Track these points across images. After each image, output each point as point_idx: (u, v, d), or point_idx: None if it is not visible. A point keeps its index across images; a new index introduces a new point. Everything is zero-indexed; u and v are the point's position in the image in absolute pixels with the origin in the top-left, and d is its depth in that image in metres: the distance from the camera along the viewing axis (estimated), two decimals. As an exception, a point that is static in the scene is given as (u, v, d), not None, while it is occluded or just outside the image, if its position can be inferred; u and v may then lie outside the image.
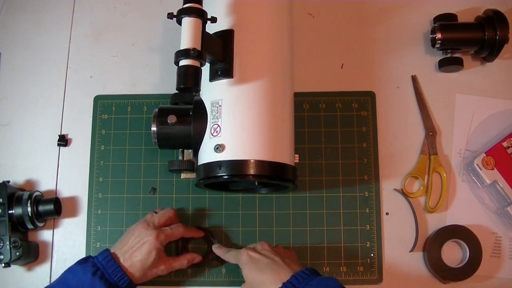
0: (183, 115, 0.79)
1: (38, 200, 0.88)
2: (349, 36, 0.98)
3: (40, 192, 0.91)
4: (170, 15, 0.74)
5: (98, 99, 0.96)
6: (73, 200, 0.93)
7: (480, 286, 0.88)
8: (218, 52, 0.76)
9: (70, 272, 0.77)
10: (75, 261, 0.79)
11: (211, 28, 0.77)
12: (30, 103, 0.97)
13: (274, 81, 0.78)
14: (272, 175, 0.75)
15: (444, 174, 0.91)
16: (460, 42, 0.93)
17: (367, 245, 0.89)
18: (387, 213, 0.91)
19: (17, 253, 0.84)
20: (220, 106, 0.76)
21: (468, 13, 0.96)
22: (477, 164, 0.89)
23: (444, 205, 0.90)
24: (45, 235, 0.92)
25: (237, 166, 0.74)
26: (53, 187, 0.93)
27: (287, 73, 0.81)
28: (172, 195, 0.92)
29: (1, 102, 0.98)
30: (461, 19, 0.95)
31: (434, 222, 0.90)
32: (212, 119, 0.77)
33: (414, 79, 0.96)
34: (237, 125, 0.75)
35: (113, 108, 0.96)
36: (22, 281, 0.90)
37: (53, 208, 0.88)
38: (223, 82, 0.77)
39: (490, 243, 0.89)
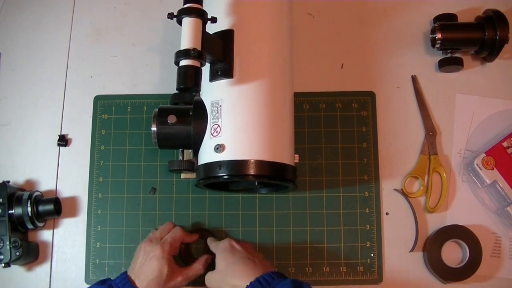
0: (183, 115, 0.79)
1: (38, 200, 0.88)
2: (349, 36, 0.98)
3: (40, 192, 0.91)
4: (170, 15, 0.74)
5: (98, 99, 0.96)
6: (73, 200, 0.93)
7: (480, 286, 0.88)
8: (218, 52, 0.76)
9: None
10: (93, 283, 0.80)
11: (211, 28, 0.77)
12: (30, 103, 0.97)
13: (274, 81, 0.78)
14: (272, 175, 0.75)
15: (444, 174, 0.91)
16: (460, 42, 0.93)
17: (367, 245, 0.89)
18: (387, 213, 0.91)
19: (17, 253, 0.84)
20: (220, 106, 0.76)
21: (468, 13, 0.96)
22: (477, 164, 0.89)
23: (444, 205, 0.90)
24: (45, 235, 0.92)
25: (237, 166, 0.74)
26: (53, 187, 0.93)
27: (287, 73, 0.81)
28: (172, 195, 0.92)
29: (1, 102, 0.98)
30: (461, 19, 0.95)
31: (434, 222, 0.90)
32: (212, 119, 0.76)
33: (414, 79, 0.96)
34: (237, 125, 0.75)
35: (113, 108, 0.96)
36: (22, 281, 0.90)
37: (53, 208, 0.88)
38: (223, 82, 0.77)
39: (490, 243, 0.89)
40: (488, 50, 0.92)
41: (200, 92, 0.79)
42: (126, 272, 0.80)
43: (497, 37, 0.89)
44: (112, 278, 0.79)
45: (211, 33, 0.76)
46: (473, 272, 0.86)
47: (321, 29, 0.99)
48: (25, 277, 0.90)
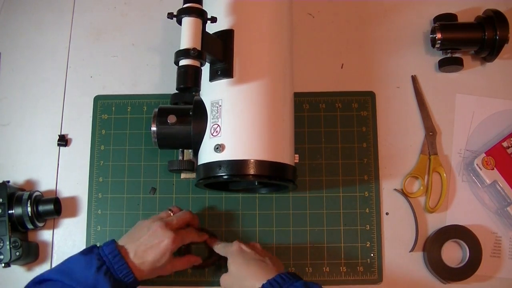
0: (183, 115, 0.79)
1: (38, 200, 0.88)
2: (349, 36, 0.98)
3: (40, 192, 0.91)
4: (170, 15, 0.74)
5: (98, 99, 0.96)
6: (73, 200, 0.93)
7: (480, 286, 0.88)
8: (218, 52, 0.76)
9: (73, 262, 0.75)
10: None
11: (211, 28, 0.77)
12: (30, 103, 0.97)
13: (274, 81, 0.78)
14: (272, 175, 0.75)
15: (444, 174, 0.91)
16: (460, 42, 0.93)
17: (367, 245, 0.89)
18: (387, 213, 0.91)
19: (17, 253, 0.84)
20: (220, 106, 0.76)
21: (468, 13, 0.96)
22: (477, 164, 0.89)
23: (444, 205, 0.90)
24: (45, 235, 0.92)
25: (237, 166, 0.74)
26: (53, 187, 0.93)
27: (287, 73, 0.81)
28: (172, 195, 0.92)
29: (1, 102, 0.98)
30: (461, 19, 0.95)
31: (434, 222, 0.90)
32: (212, 119, 0.77)
33: (414, 79, 0.96)
34: (237, 125, 0.75)
35: (113, 108, 0.96)
36: (22, 281, 0.89)
37: (53, 208, 0.88)
38: (223, 82, 0.77)
39: (490, 243, 0.89)
40: (488, 50, 0.92)
41: (200, 92, 0.79)
42: (114, 241, 0.78)
43: (497, 37, 0.89)
44: (98, 245, 0.77)
45: (211, 33, 0.76)
46: (473, 272, 0.86)
47: (321, 29, 0.99)
48: (25, 277, 0.90)
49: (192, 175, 0.87)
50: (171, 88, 0.80)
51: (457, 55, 0.94)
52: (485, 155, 0.90)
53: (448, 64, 0.93)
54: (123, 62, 0.98)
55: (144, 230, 0.79)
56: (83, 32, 1.00)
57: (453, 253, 0.89)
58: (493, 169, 0.89)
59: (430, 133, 0.93)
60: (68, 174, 0.94)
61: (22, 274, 0.90)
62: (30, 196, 0.87)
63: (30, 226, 0.87)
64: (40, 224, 0.89)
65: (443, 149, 0.93)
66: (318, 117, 0.94)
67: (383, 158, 0.92)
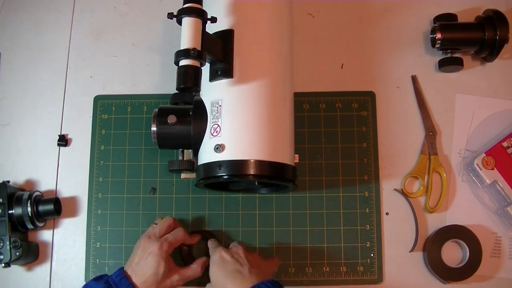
0: (183, 115, 0.79)
1: (38, 200, 0.88)
2: (349, 36, 0.98)
3: (40, 192, 0.91)
4: (170, 15, 0.74)
5: (98, 99, 0.96)
6: (73, 200, 0.93)
7: (480, 286, 0.88)
8: (218, 52, 0.76)
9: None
10: (91, 278, 0.80)
11: (211, 28, 0.77)
12: (30, 103, 0.97)
13: (274, 81, 0.78)
14: (272, 175, 0.75)
15: (444, 174, 0.91)
16: (460, 42, 0.93)
17: (367, 245, 0.89)
18: (387, 213, 0.91)
19: (17, 253, 0.84)
20: (220, 106, 0.76)
21: (468, 13, 0.96)
22: (477, 164, 0.89)
23: (444, 205, 0.90)
24: (45, 235, 0.92)
25: (237, 166, 0.74)
26: (53, 187, 0.93)
27: (287, 73, 0.81)
28: (172, 195, 0.92)
29: (1, 102, 0.98)
30: (461, 19, 0.95)
31: (434, 222, 0.90)
32: (212, 119, 0.76)
33: (414, 79, 0.96)
34: (237, 125, 0.75)
35: (113, 108, 0.96)
36: (22, 281, 0.90)
37: (53, 208, 0.88)
38: (223, 82, 0.77)
39: (490, 243, 0.89)
40: (488, 50, 0.92)
41: (200, 92, 0.79)
42: (122, 268, 0.79)
43: (497, 37, 0.89)
44: (109, 275, 0.79)
45: (211, 33, 0.76)
46: (473, 272, 0.86)
47: (321, 29, 0.99)
48: (25, 277, 0.90)
49: (192, 175, 0.87)
50: (171, 88, 0.80)
51: (457, 55, 0.94)
52: (485, 155, 0.90)
53: (448, 64, 0.93)
54: (123, 62, 0.98)
55: (135, 250, 0.81)
56: (83, 32, 1.00)
57: (453, 253, 0.89)
58: (493, 169, 0.89)
59: (430, 133, 0.93)
60: (68, 174, 0.94)
61: (22, 274, 0.90)
62: (30, 196, 0.87)
63: (30, 226, 0.87)
64: (40, 224, 0.89)
65: (443, 149, 0.93)
66: (318, 117, 0.94)
67: (383, 158, 0.92)
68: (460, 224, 0.89)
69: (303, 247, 0.90)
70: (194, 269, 0.83)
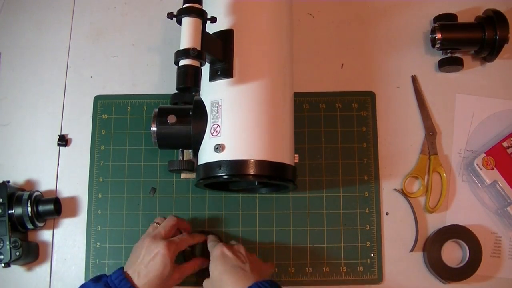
0: (183, 115, 0.79)
1: (38, 200, 0.88)
2: (349, 36, 0.98)
3: (40, 192, 0.91)
4: (170, 15, 0.74)
5: (98, 99, 0.96)
6: (73, 200, 0.93)
7: (480, 286, 0.88)
8: (218, 52, 0.76)
9: None
10: (89, 278, 0.79)
11: (211, 28, 0.77)
12: (30, 103, 0.97)
13: (274, 81, 0.78)
14: (272, 175, 0.75)
15: (444, 174, 0.91)
16: (460, 42, 0.93)
17: (367, 245, 0.89)
18: (387, 213, 0.91)
19: (17, 253, 0.84)
20: (220, 106, 0.76)
21: (468, 13, 0.96)
22: (477, 164, 0.89)
23: (444, 205, 0.90)
24: (45, 235, 0.92)
25: (237, 166, 0.74)
26: (53, 187, 0.93)
27: (287, 73, 0.81)
28: (172, 195, 0.92)
29: (1, 102, 0.98)
30: (461, 19, 0.95)
31: (434, 222, 0.90)
32: (212, 119, 0.76)
33: (414, 79, 0.96)
34: (237, 125, 0.75)
35: (113, 108, 0.96)
36: (22, 281, 0.90)
37: (53, 208, 0.88)
38: (223, 82, 0.77)
39: (490, 243, 0.89)
40: (488, 50, 0.92)
41: (200, 92, 0.79)
42: (122, 268, 0.78)
43: (497, 37, 0.89)
44: (108, 274, 0.78)
45: (211, 33, 0.76)
46: (473, 272, 0.86)
47: (321, 29, 0.99)
48: (25, 277, 0.90)
49: (192, 175, 0.87)
50: (171, 88, 0.80)
51: (457, 55, 0.94)
52: (485, 155, 0.90)
53: (448, 64, 0.93)
54: (123, 62, 0.99)
55: (138, 251, 0.79)
56: (83, 32, 1.00)
57: (453, 253, 0.89)
58: (493, 169, 0.89)
59: (430, 133, 0.93)
60: (68, 174, 0.94)
61: (22, 274, 0.90)
62: (30, 196, 0.87)
63: (30, 226, 0.87)
64: (40, 224, 0.89)
65: (443, 149, 0.93)
66: (318, 117, 0.94)
67: (383, 158, 0.92)
68: (460, 224, 0.89)
69: (303, 247, 0.90)
70: (191, 267, 0.83)
